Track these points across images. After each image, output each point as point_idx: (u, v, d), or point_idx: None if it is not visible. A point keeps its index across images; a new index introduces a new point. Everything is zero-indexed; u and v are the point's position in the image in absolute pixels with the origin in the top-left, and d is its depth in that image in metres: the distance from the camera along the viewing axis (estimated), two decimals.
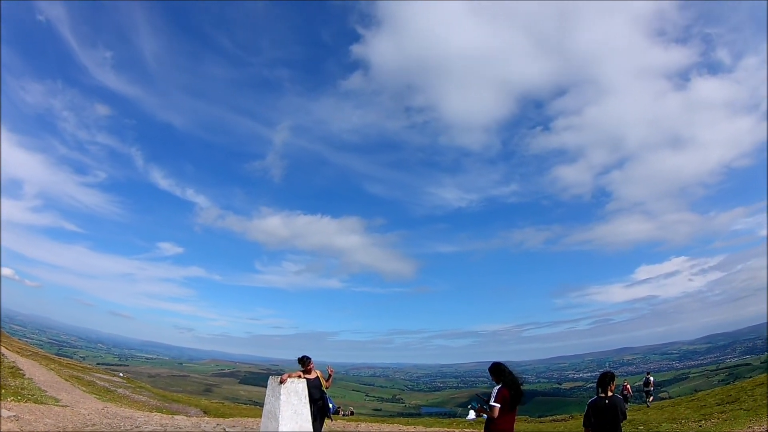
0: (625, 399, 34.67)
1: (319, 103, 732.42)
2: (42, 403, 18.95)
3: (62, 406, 19.72)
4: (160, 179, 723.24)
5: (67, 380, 32.93)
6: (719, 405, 21.69)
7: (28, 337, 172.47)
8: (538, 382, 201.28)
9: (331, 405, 11.41)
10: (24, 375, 27.69)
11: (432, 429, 22.89)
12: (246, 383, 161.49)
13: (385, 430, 21.69)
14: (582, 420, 8.28)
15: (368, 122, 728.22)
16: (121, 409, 23.21)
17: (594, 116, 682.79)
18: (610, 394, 7.90)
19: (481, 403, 7.83)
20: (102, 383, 38.97)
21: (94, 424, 15.64)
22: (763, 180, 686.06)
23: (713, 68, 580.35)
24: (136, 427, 15.74)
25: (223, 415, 27.91)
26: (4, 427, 12.19)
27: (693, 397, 30.27)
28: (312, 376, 11.09)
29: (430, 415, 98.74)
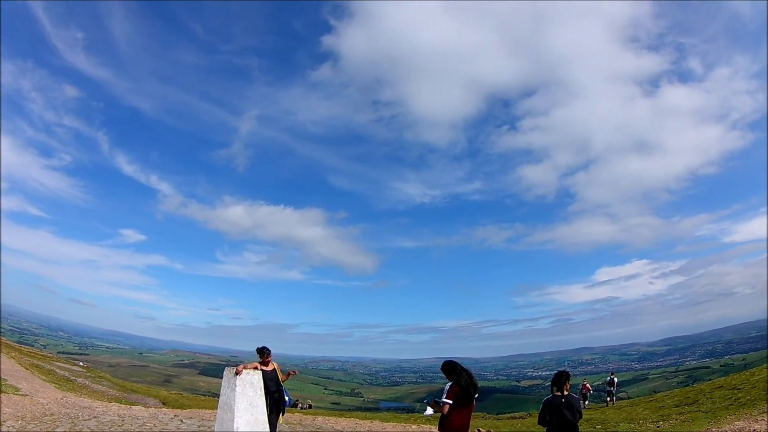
0: (585, 397, 35.70)
1: (287, 93, 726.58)
2: (1, 392, 18.83)
3: (22, 395, 19.58)
4: (125, 164, 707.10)
5: (27, 369, 32.41)
6: (677, 406, 21.87)
7: None
8: (497, 379, 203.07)
9: (287, 398, 11.35)
10: None
11: (389, 424, 22.69)
12: (205, 374, 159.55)
13: (342, 424, 21.36)
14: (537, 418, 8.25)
15: (335, 114, 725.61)
16: (80, 398, 23.07)
17: (561, 118, 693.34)
18: (565, 393, 7.83)
19: (436, 399, 7.81)
20: (62, 372, 38.36)
21: (52, 414, 15.67)
22: (730, 188, 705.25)
23: (684, 77, 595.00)
24: (94, 417, 15.81)
25: (181, 407, 27.80)
26: None
27: (651, 398, 30.50)
28: (269, 368, 11.01)
29: (388, 409, 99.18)
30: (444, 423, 7.49)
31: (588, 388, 36.74)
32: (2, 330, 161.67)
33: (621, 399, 36.17)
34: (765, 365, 31.05)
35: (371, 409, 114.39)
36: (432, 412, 7.98)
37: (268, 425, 10.15)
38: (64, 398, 21.59)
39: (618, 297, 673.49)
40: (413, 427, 22.34)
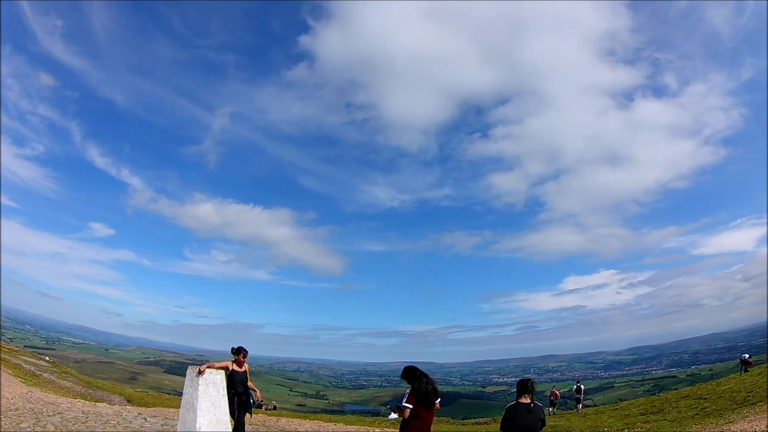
0: (553, 404, 36.45)
1: (261, 91, 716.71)
2: None
3: None
4: (97, 156, 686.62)
5: None
6: (643, 415, 21.93)
7: None
8: (463, 384, 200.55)
9: (252, 400, 11.14)
10: None
11: (353, 427, 22.67)
12: (171, 373, 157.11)
13: (305, 426, 21.38)
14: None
15: (308, 115, 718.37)
16: (45, 394, 22.85)
17: (534, 127, 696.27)
18: (529, 400, 7.68)
19: (398, 404, 7.78)
20: (28, 367, 37.76)
21: (17, 409, 15.56)
22: (700, 202, 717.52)
23: (659, 91, 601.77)
24: (59, 413, 15.74)
25: (146, 405, 27.61)
26: None
27: (617, 406, 30.45)
28: (241, 369, 10.84)
29: (353, 412, 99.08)
30: (404, 427, 7.60)
31: (556, 394, 37.54)
32: None
33: (587, 406, 36.75)
34: (732, 376, 31.62)
35: (336, 411, 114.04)
36: (396, 417, 7.92)
37: (230, 425, 10.03)
38: (29, 393, 21.38)
39: (585, 306, 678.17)
40: (376, 430, 22.32)
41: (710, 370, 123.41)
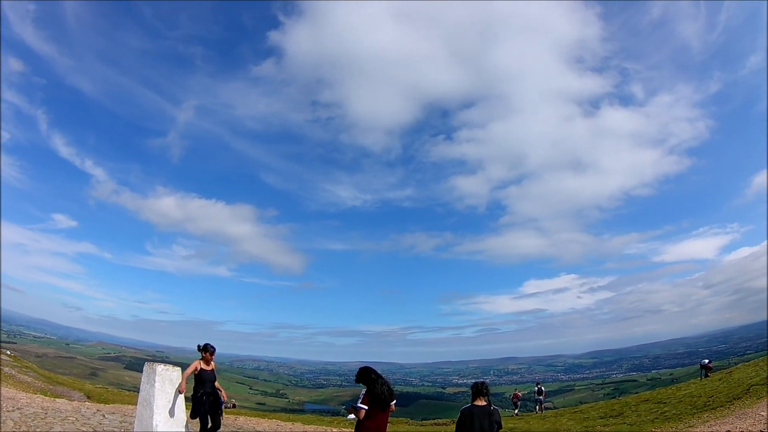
0: (515, 405, 37.29)
1: (227, 86, 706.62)
2: None
3: None
4: (62, 146, 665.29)
5: None
6: (602, 418, 21.91)
7: None
8: (422, 385, 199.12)
9: (221, 401, 10.82)
10: None
11: (310, 426, 22.45)
12: (131, 369, 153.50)
13: (263, 425, 21.21)
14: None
15: (273, 111, 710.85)
16: (6, 389, 22.55)
17: (498, 131, 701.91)
18: (485, 402, 7.78)
19: (353, 405, 7.80)
20: None
21: None
22: (662, 210, 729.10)
23: (625, 100, 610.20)
24: (18, 408, 15.72)
25: (105, 401, 27.37)
26: None
27: (577, 409, 30.37)
28: (209, 367, 10.47)
29: (313, 412, 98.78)
30: (359, 428, 7.67)
31: (519, 396, 38.48)
32: None
33: (547, 409, 37.68)
34: (692, 381, 31.47)
35: (296, 410, 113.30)
36: (354, 417, 7.90)
37: (186, 424, 10.07)
38: None
39: (545, 309, 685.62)
40: (334, 430, 22.17)
41: (671, 374, 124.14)
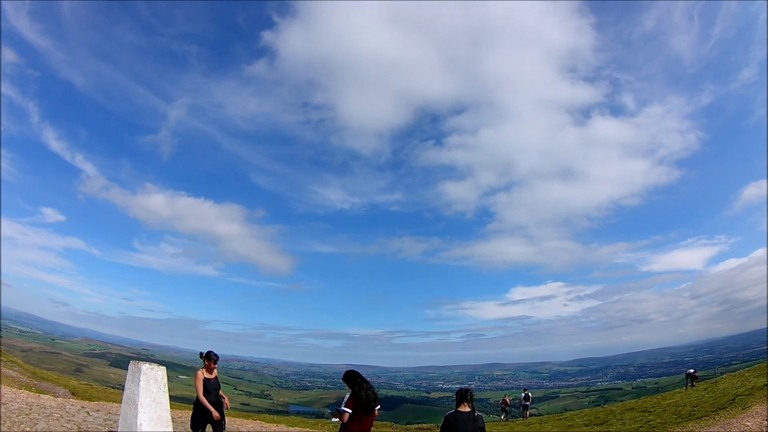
0: (504, 411, 37.37)
1: (219, 85, 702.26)
2: None
3: None
4: (53, 140, 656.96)
5: None
6: (587, 426, 21.78)
7: None
8: (407, 389, 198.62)
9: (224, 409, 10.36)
10: None
11: (294, 428, 22.28)
12: (116, 366, 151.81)
13: (247, 425, 21.10)
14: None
15: (264, 112, 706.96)
16: None
17: (489, 138, 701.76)
18: (469, 409, 7.74)
19: (338, 408, 7.74)
20: None
21: None
22: (651, 220, 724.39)
23: (616, 110, 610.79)
24: (3, 404, 15.62)
25: (90, 398, 27.11)
26: None
27: (561, 416, 30.33)
28: (212, 376, 10.04)
29: (297, 413, 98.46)
30: (343, 431, 7.65)
31: (507, 402, 38.58)
32: None
33: (533, 415, 37.57)
34: (677, 390, 31.55)
35: (280, 412, 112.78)
36: (338, 420, 7.87)
37: (171, 423, 9.78)
38: None
39: (531, 316, 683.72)
40: None
41: (656, 383, 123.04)
